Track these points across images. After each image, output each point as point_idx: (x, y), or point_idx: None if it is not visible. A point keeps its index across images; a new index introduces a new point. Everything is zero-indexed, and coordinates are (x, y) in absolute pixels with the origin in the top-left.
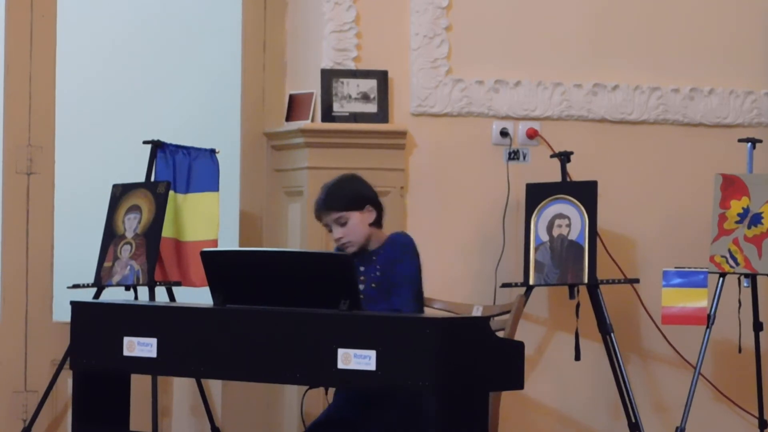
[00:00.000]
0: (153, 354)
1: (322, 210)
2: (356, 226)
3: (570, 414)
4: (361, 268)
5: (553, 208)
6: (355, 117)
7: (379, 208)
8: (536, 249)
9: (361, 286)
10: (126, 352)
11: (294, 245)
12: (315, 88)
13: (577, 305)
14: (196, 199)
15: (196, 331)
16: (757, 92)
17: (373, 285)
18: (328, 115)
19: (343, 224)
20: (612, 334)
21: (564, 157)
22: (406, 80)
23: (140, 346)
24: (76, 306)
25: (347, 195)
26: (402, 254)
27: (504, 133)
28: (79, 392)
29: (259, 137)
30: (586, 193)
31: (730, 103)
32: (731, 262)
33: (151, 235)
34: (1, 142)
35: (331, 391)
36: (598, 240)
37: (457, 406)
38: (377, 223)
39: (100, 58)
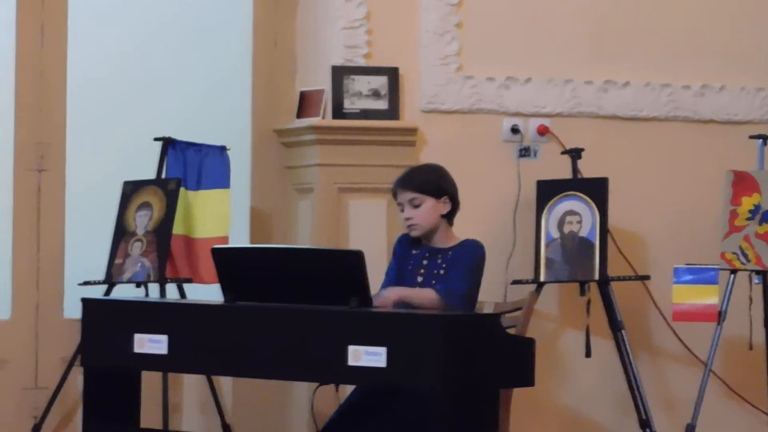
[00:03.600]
0: (164, 351)
1: (400, 186)
2: (428, 212)
3: (580, 410)
4: (424, 262)
5: (563, 205)
6: (365, 114)
7: (455, 204)
8: (547, 246)
9: (420, 279)
10: (136, 349)
11: (304, 242)
12: (325, 85)
13: (588, 302)
14: (207, 195)
15: (206, 328)
16: None
17: (434, 282)
18: (338, 111)
19: (417, 206)
20: (623, 331)
21: (575, 154)
22: (417, 77)
23: (151, 343)
24: (87, 303)
25: (429, 180)
26: (469, 252)
27: (514, 130)
28: (90, 389)
29: (269, 134)
30: (596, 190)
31: (741, 100)
32: (742, 258)
33: (162, 232)
34: (12, 139)
35: (342, 388)
36: (608, 237)
37: (468, 403)
38: (449, 217)
39: (111, 55)
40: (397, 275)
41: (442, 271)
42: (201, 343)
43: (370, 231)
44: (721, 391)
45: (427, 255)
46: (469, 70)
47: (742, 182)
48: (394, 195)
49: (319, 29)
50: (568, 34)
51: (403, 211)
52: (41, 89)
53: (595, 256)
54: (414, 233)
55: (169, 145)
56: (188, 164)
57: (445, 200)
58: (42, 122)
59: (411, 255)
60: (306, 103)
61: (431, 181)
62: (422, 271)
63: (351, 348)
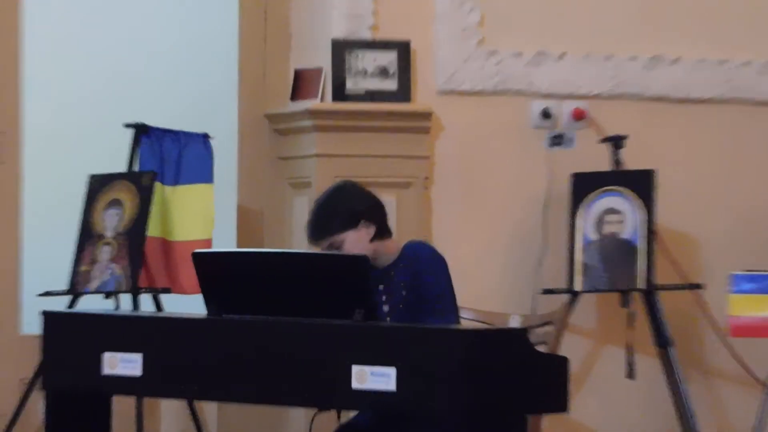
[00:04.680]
0: (137, 372)
1: (312, 239)
2: (353, 248)
3: None
4: (381, 287)
5: (602, 202)
6: (371, 96)
7: (378, 219)
8: (583, 249)
9: (386, 308)
10: (106, 370)
11: (300, 245)
12: (324, 62)
13: (631, 314)
14: (187, 192)
15: (187, 346)
16: None
17: (401, 306)
18: (340, 93)
19: (338, 248)
20: (671, 348)
21: (616, 142)
22: (431, 52)
23: (123, 363)
24: (47, 316)
25: (334, 215)
26: (426, 265)
27: (545, 115)
28: (53, 415)
29: (259, 120)
30: (641, 184)
31: None
32: None
33: (135, 234)
34: None
35: (345, 414)
36: (655, 239)
37: None
38: (381, 234)
39: (76, 32)
40: None
41: (404, 292)
42: (181, 363)
43: None
44: None
45: (381, 279)
46: (493, 44)
47: None
48: (312, 245)
49: None
50: (608, 3)
51: None
52: None
53: (639, 262)
54: None
55: (142, 132)
56: (165, 155)
57: (365, 224)
58: None
59: None
60: (302, 84)
61: (338, 215)
62: (384, 297)
63: (355, 368)
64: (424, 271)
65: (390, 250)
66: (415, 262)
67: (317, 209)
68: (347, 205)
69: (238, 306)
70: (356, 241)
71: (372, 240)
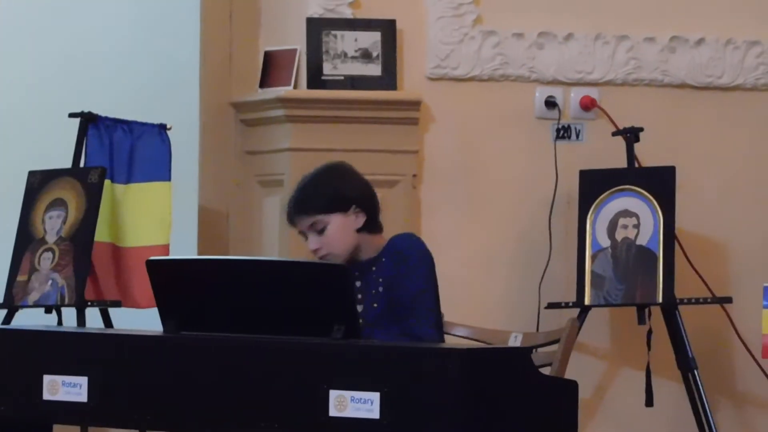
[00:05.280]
0: (83, 398)
1: (294, 211)
2: (336, 233)
3: None
4: (358, 284)
5: (616, 203)
6: (352, 82)
7: (370, 210)
8: (594, 258)
9: (359, 307)
10: (47, 395)
11: (271, 251)
12: (299, 43)
13: (649, 333)
14: (141, 190)
15: (139, 368)
16: None
17: (375, 305)
18: (316, 79)
19: (321, 231)
20: (696, 371)
21: (631, 135)
22: (421, 33)
23: (66, 388)
24: None
25: (325, 193)
26: (409, 262)
27: (551, 103)
28: None
29: (224, 109)
30: (660, 183)
31: None
32: None
33: (81, 239)
34: None
35: None
36: (676, 246)
37: None
38: (370, 227)
39: (15, 7)
40: None
41: (381, 288)
42: (132, 387)
43: None
44: None
45: (356, 274)
46: (491, 24)
47: None
48: (290, 223)
49: None
50: None
51: (306, 240)
52: None
53: (658, 272)
54: (334, 263)
55: (90, 122)
56: (116, 149)
57: (356, 211)
58: None
59: None
60: (273, 68)
61: (330, 194)
62: (359, 296)
63: (333, 393)
64: (404, 271)
65: (375, 245)
66: (397, 257)
67: (305, 183)
68: (340, 186)
69: (199, 322)
70: (342, 227)
71: (359, 231)
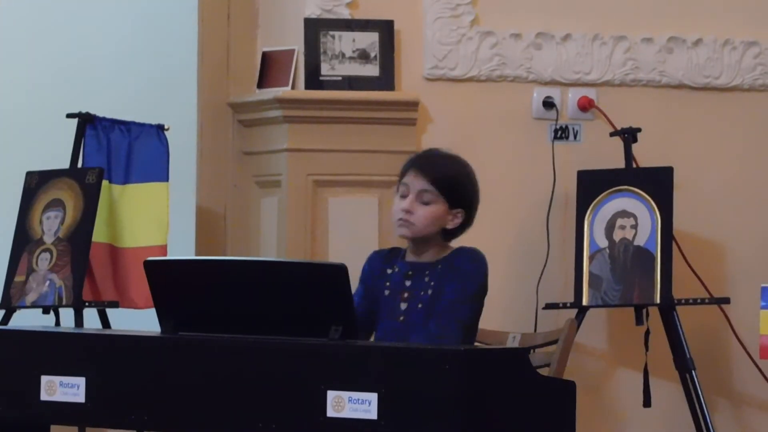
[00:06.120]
0: (80, 398)
1: (418, 168)
2: (432, 216)
3: None
4: (407, 283)
5: (613, 204)
6: (350, 82)
7: (466, 223)
8: (591, 258)
9: (404, 305)
10: (44, 396)
11: (269, 252)
12: (297, 44)
13: (647, 333)
14: (139, 191)
15: (137, 368)
16: None
17: (420, 305)
18: (314, 79)
19: (425, 203)
20: (693, 372)
21: (629, 136)
22: (418, 33)
23: (63, 388)
24: None
25: (454, 179)
26: (461, 274)
27: (548, 104)
28: None
29: (222, 109)
30: (658, 184)
31: None
32: None
33: (79, 239)
34: None
35: None
36: (674, 246)
37: None
38: (450, 233)
39: (13, 8)
40: (368, 305)
41: (430, 291)
42: (129, 388)
43: (356, 237)
44: None
45: (409, 273)
46: (488, 24)
47: None
48: (403, 174)
49: None
50: None
51: (403, 197)
52: None
53: (655, 273)
54: (401, 232)
55: (87, 123)
56: (114, 149)
57: (458, 214)
58: None
59: (386, 275)
60: (270, 69)
61: (456, 184)
62: (406, 295)
63: (331, 394)
64: (456, 276)
65: (440, 250)
66: (453, 270)
67: (449, 157)
68: (469, 187)
69: (197, 322)
70: (437, 215)
71: (443, 228)
